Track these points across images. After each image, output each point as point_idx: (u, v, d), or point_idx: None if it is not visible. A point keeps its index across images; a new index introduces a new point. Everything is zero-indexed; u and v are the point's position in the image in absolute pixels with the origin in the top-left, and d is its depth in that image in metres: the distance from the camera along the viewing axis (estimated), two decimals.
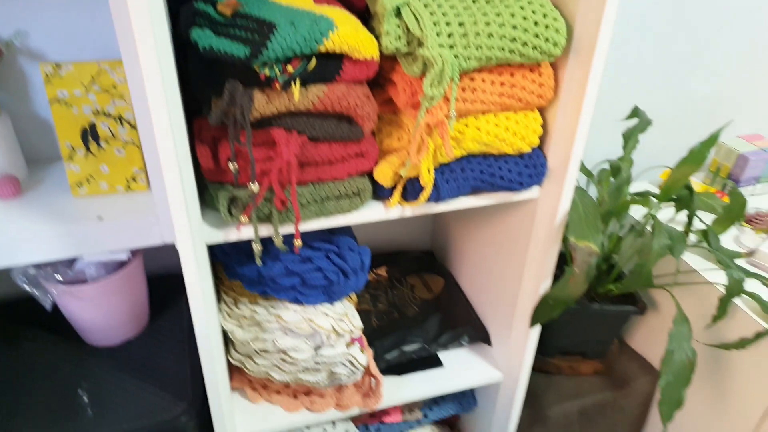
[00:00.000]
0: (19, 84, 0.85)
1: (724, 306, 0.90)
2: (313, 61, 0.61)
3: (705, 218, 1.14)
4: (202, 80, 0.62)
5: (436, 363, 1.01)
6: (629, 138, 0.98)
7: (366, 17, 0.71)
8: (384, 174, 0.71)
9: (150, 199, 0.84)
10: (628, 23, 1.15)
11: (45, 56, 0.84)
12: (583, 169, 1.04)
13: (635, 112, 1.02)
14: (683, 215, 1.15)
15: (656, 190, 1.24)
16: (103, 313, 0.89)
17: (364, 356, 0.88)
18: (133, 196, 0.84)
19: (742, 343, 0.92)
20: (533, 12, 0.65)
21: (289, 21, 0.60)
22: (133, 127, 0.81)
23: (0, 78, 0.84)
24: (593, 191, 1.27)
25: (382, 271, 1.15)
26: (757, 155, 1.19)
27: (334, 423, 1.02)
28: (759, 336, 0.90)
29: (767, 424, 0.94)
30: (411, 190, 0.73)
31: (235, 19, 0.61)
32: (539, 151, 0.77)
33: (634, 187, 1.26)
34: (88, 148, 0.81)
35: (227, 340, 0.90)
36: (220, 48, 0.58)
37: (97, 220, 0.78)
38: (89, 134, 0.80)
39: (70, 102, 0.77)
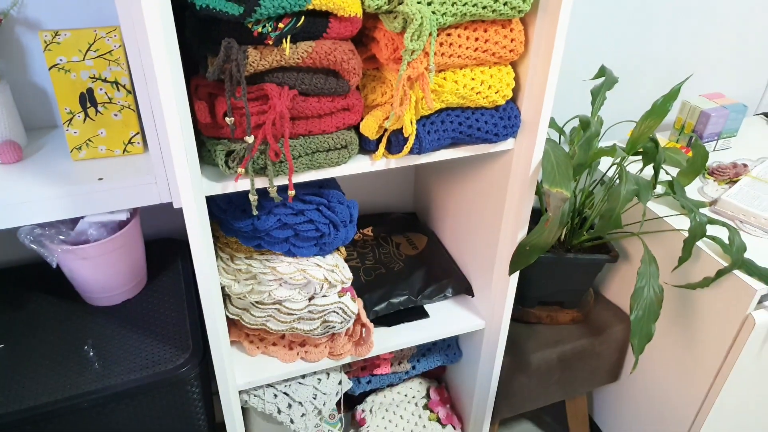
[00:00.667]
0: (17, 53, 0.88)
1: (688, 247, 0.97)
2: (302, 19, 0.66)
3: (671, 172, 1.22)
4: (199, 40, 0.67)
5: (423, 314, 1.08)
6: (597, 95, 1.05)
7: None
8: (369, 127, 0.76)
9: (147, 161, 0.88)
10: None
11: (41, 25, 0.87)
12: (555, 127, 1.10)
13: (602, 71, 1.08)
14: (650, 170, 1.22)
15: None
16: (104, 272, 0.93)
17: (354, 305, 0.94)
18: (130, 158, 0.89)
19: (706, 282, 0.99)
20: None
21: None
22: (129, 91, 0.85)
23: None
24: (566, 148, 1.34)
25: (369, 231, 1.21)
26: (717, 112, 1.26)
27: (328, 374, 1.08)
28: (720, 274, 0.97)
29: (732, 356, 1.02)
30: (395, 142, 0.78)
31: None
32: (513, 104, 0.83)
33: (604, 144, 1.33)
34: (86, 113, 0.84)
35: (224, 296, 0.95)
36: (216, 6, 0.62)
37: (97, 182, 0.83)
38: (87, 99, 0.84)
39: (69, 68, 0.81)
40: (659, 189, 1.16)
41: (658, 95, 1.39)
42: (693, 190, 1.19)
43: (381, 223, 1.25)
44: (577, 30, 1.25)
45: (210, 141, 0.73)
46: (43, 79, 0.92)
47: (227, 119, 0.68)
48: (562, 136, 1.12)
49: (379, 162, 0.80)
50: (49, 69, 0.80)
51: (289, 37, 0.66)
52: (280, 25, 0.65)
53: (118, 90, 0.84)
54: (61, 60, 0.80)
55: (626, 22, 1.28)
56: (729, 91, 1.52)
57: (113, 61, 0.83)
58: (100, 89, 0.84)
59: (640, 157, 1.18)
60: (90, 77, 0.83)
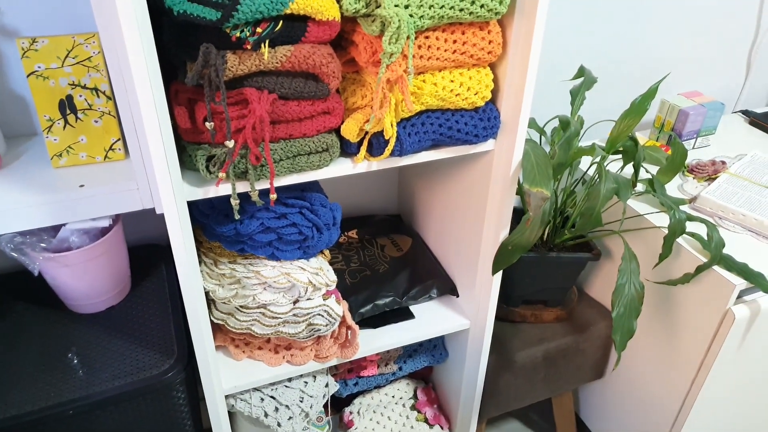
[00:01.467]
0: None
1: (668, 244, 0.98)
2: (280, 23, 0.66)
3: (652, 170, 1.24)
4: (177, 46, 0.67)
5: (409, 315, 1.08)
6: (576, 95, 1.06)
7: None
8: (350, 130, 0.77)
9: (128, 167, 0.88)
10: None
11: (19, 33, 0.87)
12: (536, 127, 1.12)
13: (581, 72, 1.10)
14: (630, 169, 1.23)
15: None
16: (87, 280, 0.93)
17: (339, 307, 0.94)
18: (111, 165, 0.88)
19: (686, 278, 1.01)
20: None
21: None
22: (109, 97, 0.85)
23: None
24: (546, 148, 1.35)
25: (353, 234, 1.22)
26: (696, 110, 1.28)
27: (314, 377, 1.08)
28: (699, 269, 0.99)
29: (713, 350, 1.04)
30: (376, 144, 0.79)
31: None
32: (492, 105, 0.84)
33: (584, 143, 1.35)
34: (66, 120, 0.84)
35: (208, 301, 0.95)
36: (194, 12, 0.62)
37: (79, 188, 0.82)
38: (66, 106, 0.83)
39: (47, 75, 0.81)
40: (639, 187, 1.18)
41: (638, 94, 1.41)
42: (673, 187, 1.21)
43: (365, 225, 1.25)
44: (556, 29, 1.26)
45: (190, 146, 0.73)
46: (22, 87, 0.91)
47: (207, 124, 0.68)
48: (542, 137, 1.13)
49: (361, 164, 0.80)
50: (27, 76, 0.80)
51: (267, 42, 0.66)
52: (258, 29, 0.65)
53: (98, 96, 0.84)
54: (39, 67, 0.80)
55: (603, 21, 1.29)
56: (707, 89, 1.55)
57: (92, 68, 0.82)
58: (80, 96, 0.83)
59: (620, 156, 1.19)
60: (69, 84, 0.82)
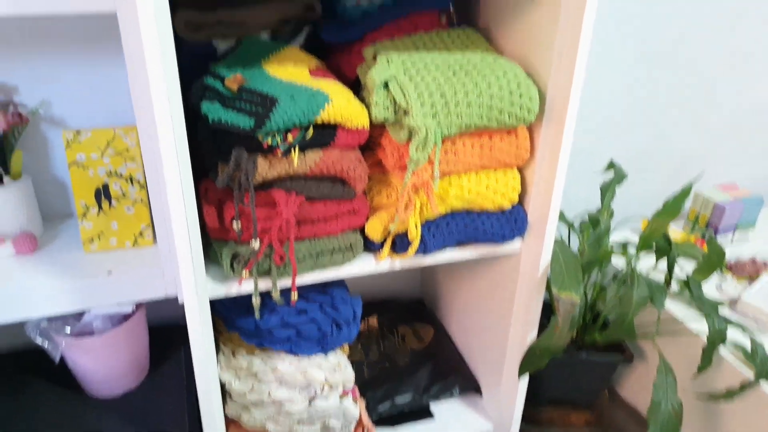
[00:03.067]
0: (41, 147, 0.92)
1: (707, 356, 0.92)
2: (311, 131, 0.68)
3: (687, 266, 1.19)
4: (211, 147, 0.69)
5: (427, 414, 1.04)
6: (606, 191, 1.05)
7: (357, 86, 0.79)
8: (374, 229, 0.77)
9: (155, 253, 0.89)
10: (600, 82, 1.23)
11: (65, 122, 0.91)
12: (564, 220, 1.10)
13: (611, 165, 1.09)
14: (664, 262, 1.19)
15: (637, 238, 1.29)
16: (107, 365, 0.92)
17: (356, 408, 0.91)
18: (139, 251, 0.90)
19: (729, 394, 0.94)
20: (508, 82, 0.73)
21: (289, 95, 0.67)
22: (143, 186, 0.87)
23: (24, 142, 0.91)
24: (575, 240, 1.33)
25: (374, 320, 1.19)
26: (732, 205, 1.25)
27: None
28: (744, 387, 0.92)
29: None
30: (400, 243, 0.78)
31: (241, 94, 0.68)
32: (519, 206, 0.83)
33: (615, 236, 1.32)
34: (100, 207, 0.87)
35: (223, 393, 0.93)
36: (228, 120, 0.64)
37: (107, 275, 0.83)
38: (102, 194, 0.86)
39: (87, 165, 0.84)
40: (675, 286, 1.13)
41: (670, 181, 1.38)
42: (711, 286, 1.16)
43: (386, 310, 1.23)
44: (585, 121, 1.26)
45: (217, 242, 0.74)
46: (63, 172, 0.95)
47: (234, 224, 0.69)
48: (571, 230, 1.11)
49: (384, 262, 0.80)
50: (69, 166, 0.83)
51: (297, 148, 0.68)
52: (290, 137, 0.67)
53: (132, 185, 0.87)
54: (80, 157, 0.83)
55: (634, 112, 1.29)
56: (744, 179, 1.51)
57: (130, 158, 0.85)
58: (116, 184, 0.86)
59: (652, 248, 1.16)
60: (106, 173, 0.85)
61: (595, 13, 0.70)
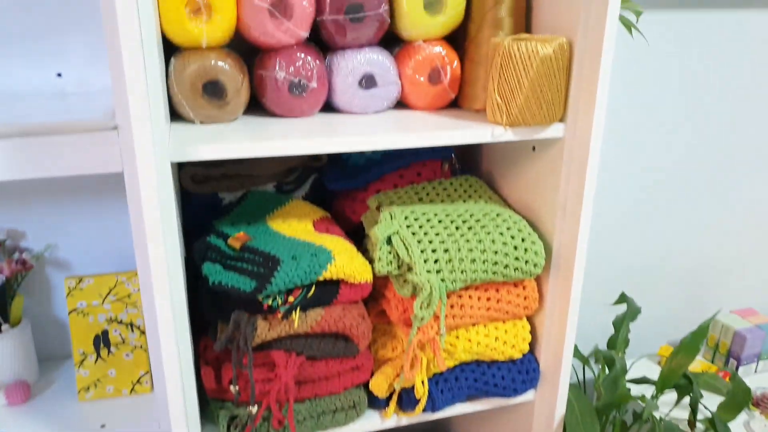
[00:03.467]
0: (44, 291, 0.92)
1: None
2: (313, 290, 0.66)
3: (711, 400, 1.12)
4: (210, 305, 0.68)
5: None
6: (620, 327, 1.01)
7: (361, 231, 0.79)
8: (379, 386, 0.73)
9: (152, 402, 0.85)
10: (610, 215, 1.23)
11: (70, 264, 0.91)
12: (578, 356, 1.06)
13: (623, 298, 1.06)
14: (686, 399, 1.13)
15: (655, 367, 1.24)
16: None
17: None
18: (136, 399, 0.86)
19: None
20: (512, 237, 0.72)
21: (291, 255, 0.66)
22: (143, 332, 0.85)
23: (27, 286, 0.91)
24: (589, 372, 1.27)
25: None
26: (753, 333, 1.20)
27: None
28: None
29: None
30: (407, 399, 0.75)
31: (244, 253, 0.67)
32: (531, 356, 0.80)
33: (631, 368, 1.26)
34: (98, 354, 0.84)
35: None
36: (229, 283, 0.64)
37: (99, 429, 0.80)
38: (101, 341, 0.84)
39: (87, 311, 0.83)
40: (699, 426, 1.06)
41: (687, 305, 1.34)
42: (739, 425, 1.09)
43: None
44: (594, 240, 1.24)
45: (214, 402, 0.71)
46: (64, 315, 0.94)
47: (232, 388, 0.66)
48: (585, 366, 1.06)
49: (390, 420, 0.75)
50: (69, 313, 0.82)
51: (298, 308, 0.66)
52: (291, 298, 0.65)
53: (132, 331, 0.85)
54: (81, 305, 0.83)
55: (644, 237, 1.28)
56: (760, 304, 1.45)
57: (131, 304, 0.84)
58: (115, 330, 0.85)
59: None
60: (107, 319, 0.84)
61: (598, 167, 0.70)
